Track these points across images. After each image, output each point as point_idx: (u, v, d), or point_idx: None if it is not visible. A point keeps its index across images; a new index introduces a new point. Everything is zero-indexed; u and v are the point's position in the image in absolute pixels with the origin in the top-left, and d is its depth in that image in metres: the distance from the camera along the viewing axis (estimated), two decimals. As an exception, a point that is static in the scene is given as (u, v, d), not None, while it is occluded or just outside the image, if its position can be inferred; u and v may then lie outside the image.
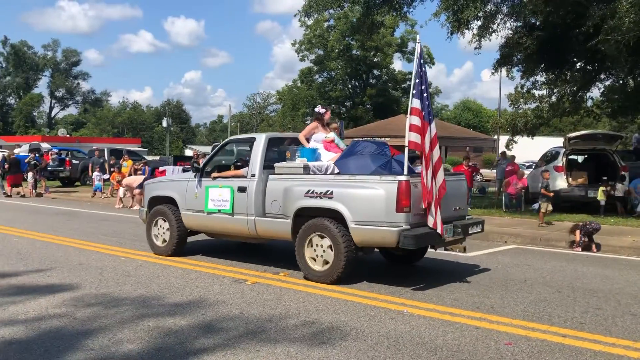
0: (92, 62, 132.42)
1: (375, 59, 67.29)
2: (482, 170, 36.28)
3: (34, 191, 21.41)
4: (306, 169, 7.59)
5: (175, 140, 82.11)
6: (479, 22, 15.27)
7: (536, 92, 21.14)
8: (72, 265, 8.10)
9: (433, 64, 71.13)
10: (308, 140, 8.18)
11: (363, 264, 8.24)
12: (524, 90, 21.35)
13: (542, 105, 21.10)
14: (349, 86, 70.79)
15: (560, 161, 15.65)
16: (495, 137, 44.48)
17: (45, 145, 30.24)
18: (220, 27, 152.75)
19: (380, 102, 66.49)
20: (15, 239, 10.59)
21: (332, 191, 7.09)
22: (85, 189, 23.51)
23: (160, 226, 9.03)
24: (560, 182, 15.26)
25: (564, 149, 15.85)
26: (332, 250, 7.03)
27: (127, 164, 20.47)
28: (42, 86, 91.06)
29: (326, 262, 7.11)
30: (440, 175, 6.99)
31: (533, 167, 21.03)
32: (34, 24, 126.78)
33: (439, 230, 6.85)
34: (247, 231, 8.05)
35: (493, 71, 19.57)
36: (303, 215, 7.39)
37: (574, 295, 6.71)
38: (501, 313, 5.86)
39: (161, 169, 18.46)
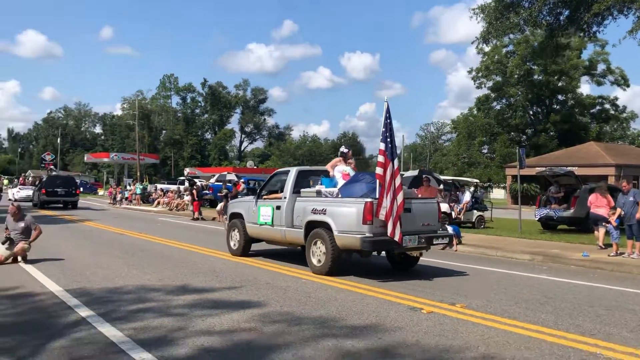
0: (277, 99, 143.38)
1: (560, 84, 63.14)
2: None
3: (225, 217, 23.58)
4: (319, 193, 10.14)
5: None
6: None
7: None
8: (260, 284, 8.74)
9: (628, 86, 64.65)
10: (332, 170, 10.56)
11: (551, 303, 7.73)
12: None
13: None
14: (530, 113, 67.20)
15: None
16: None
17: (230, 176, 33.10)
18: (395, 59, 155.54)
19: (565, 129, 61.88)
20: (212, 259, 11.74)
21: (326, 209, 9.58)
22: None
23: (235, 233, 12.16)
24: None
25: None
26: (325, 251, 9.39)
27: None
28: (233, 122, 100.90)
29: (320, 260, 9.54)
30: (400, 197, 8.99)
31: None
32: (227, 66, 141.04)
33: (396, 239, 8.81)
34: (281, 238, 10.83)
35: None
36: (312, 227, 9.83)
37: None
38: None
39: None
